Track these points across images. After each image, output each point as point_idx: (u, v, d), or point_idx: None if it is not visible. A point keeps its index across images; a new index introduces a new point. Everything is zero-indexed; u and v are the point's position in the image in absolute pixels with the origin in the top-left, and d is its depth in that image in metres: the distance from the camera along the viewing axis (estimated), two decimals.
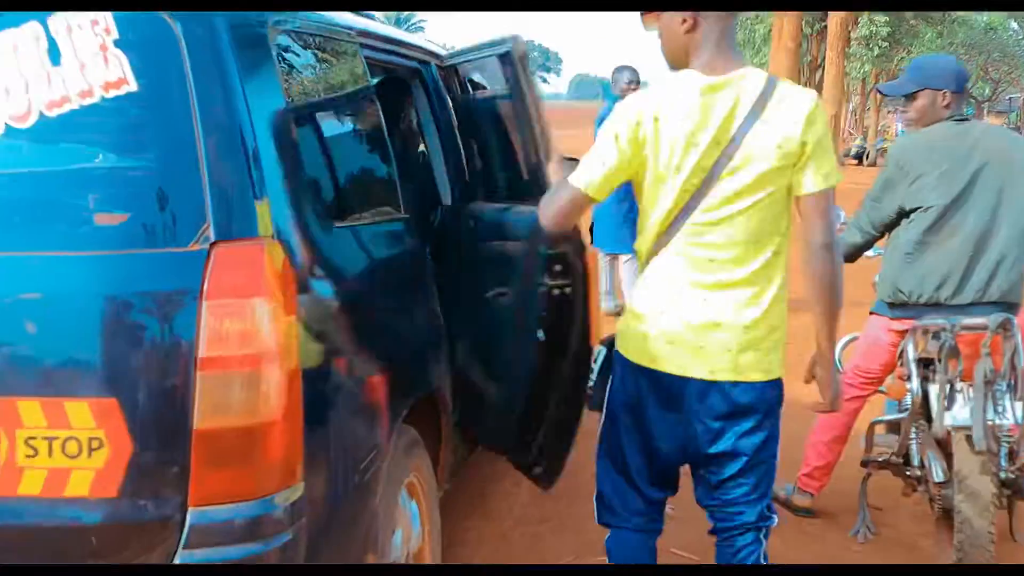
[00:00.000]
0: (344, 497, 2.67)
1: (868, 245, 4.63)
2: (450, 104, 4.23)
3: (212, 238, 2.36)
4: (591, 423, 3.44)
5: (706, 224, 2.86)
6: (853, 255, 4.65)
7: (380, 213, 3.25)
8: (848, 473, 4.85)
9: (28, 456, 2.34)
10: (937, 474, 4.09)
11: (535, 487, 4.27)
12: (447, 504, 3.97)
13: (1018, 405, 3.97)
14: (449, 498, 4.14)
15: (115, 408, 2.31)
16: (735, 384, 2.90)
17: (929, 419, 4.14)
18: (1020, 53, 57.07)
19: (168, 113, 2.41)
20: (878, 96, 41.68)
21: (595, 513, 3.23)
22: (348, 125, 3.26)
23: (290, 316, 2.42)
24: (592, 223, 9.14)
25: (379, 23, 3.96)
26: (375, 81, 3.58)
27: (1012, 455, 4.01)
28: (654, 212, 2.94)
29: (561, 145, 3.85)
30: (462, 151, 4.20)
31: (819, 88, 27.47)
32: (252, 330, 2.35)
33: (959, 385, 4.06)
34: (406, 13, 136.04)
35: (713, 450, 2.96)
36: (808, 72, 35.61)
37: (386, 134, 3.41)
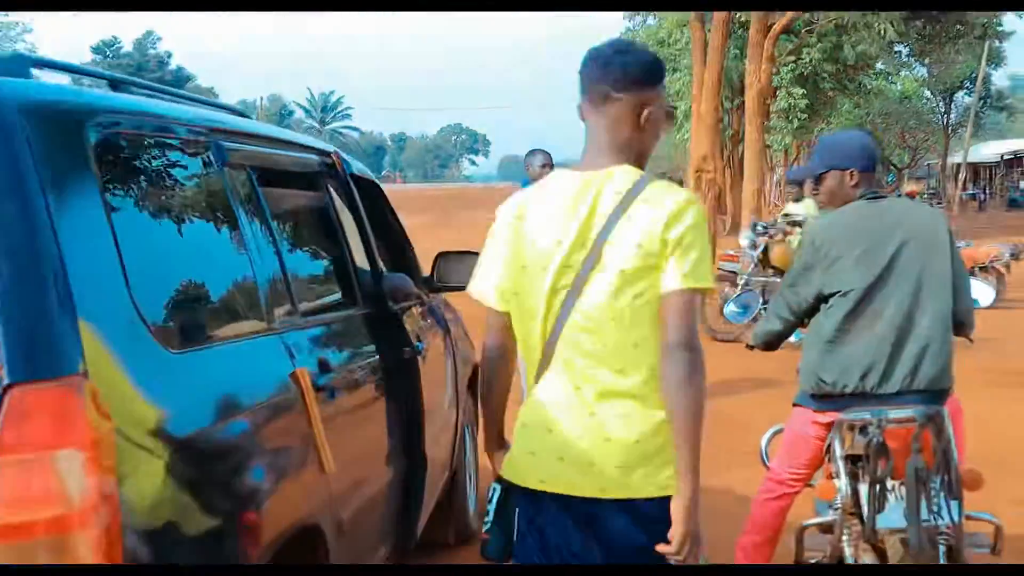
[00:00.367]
0: None
1: (788, 332, 4.42)
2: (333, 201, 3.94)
3: (5, 380, 1.99)
4: None
5: (583, 329, 2.67)
6: (773, 343, 4.48)
7: (239, 329, 2.89)
8: None
9: None
10: None
11: None
12: None
13: (954, 504, 3.69)
14: None
15: None
16: (628, 502, 2.67)
17: (862, 519, 3.84)
18: (935, 120, 58.49)
19: None
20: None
21: None
22: (194, 231, 2.89)
23: (108, 468, 2.05)
24: None
25: (246, 119, 3.65)
26: (237, 178, 3.22)
27: (951, 554, 3.73)
28: (533, 319, 2.71)
29: None
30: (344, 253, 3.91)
31: (741, 160, 27.69)
32: (57, 489, 1.97)
33: (890, 484, 3.77)
34: (333, 99, 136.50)
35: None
36: (731, 146, 35.97)
37: (253, 237, 3.07)
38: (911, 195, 51.53)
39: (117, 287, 2.30)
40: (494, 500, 2.90)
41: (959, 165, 55.58)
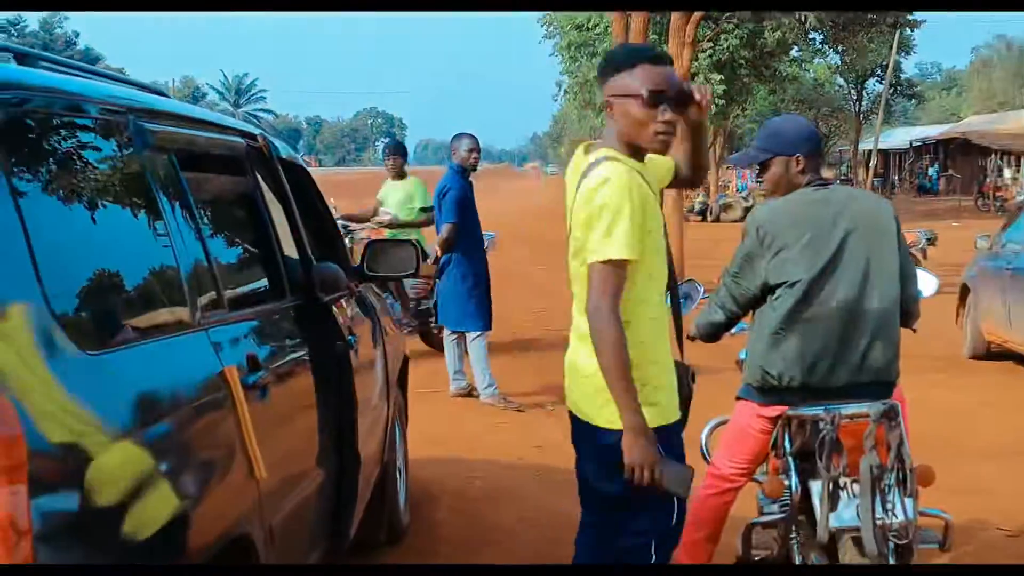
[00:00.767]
0: None
1: (731, 323, 4.29)
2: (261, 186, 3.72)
3: None
4: None
5: (570, 281, 3.41)
6: (714, 334, 4.36)
7: (162, 326, 2.67)
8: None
9: None
10: None
11: None
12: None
13: (908, 501, 3.58)
14: None
15: None
16: (590, 425, 3.34)
17: (812, 517, 3.70)
18: (848, 107, 59.33)
19: None
20: (716, 153, 42.58)
21: None
22: (112, 219, 2.65)
23: (17, 479, 1.85)
24: (436, 300, 8.72)
25: (165, 97, 3.41)
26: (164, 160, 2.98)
27: (901, 554, 3.61)
28: None
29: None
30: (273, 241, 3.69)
31: None
32: None
33: (843, 481, 3.64)
34: (247, 81, 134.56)
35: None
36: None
37: (176, 226, 2.85)
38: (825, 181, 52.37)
39: (26, 281, 2.08)
40: None
41: (870, 151, 56.47)
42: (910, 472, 3.64)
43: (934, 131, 60.11)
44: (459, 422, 7.95)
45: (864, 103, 60.37)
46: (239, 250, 3.70)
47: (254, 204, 3.71)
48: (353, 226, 10.67)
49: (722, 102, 32.84)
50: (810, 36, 35.17)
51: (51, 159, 2.48)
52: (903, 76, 60.03)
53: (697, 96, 3.34)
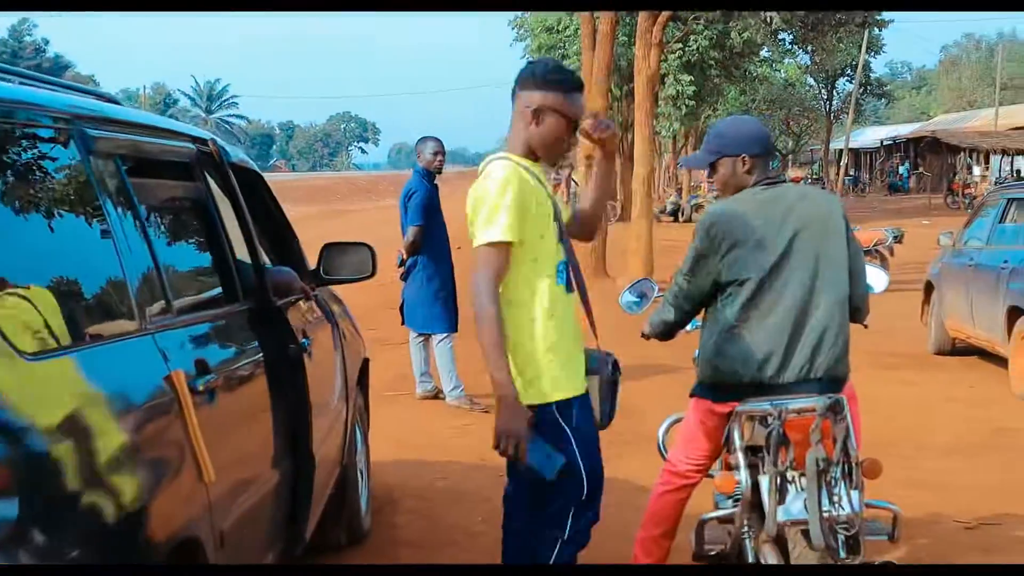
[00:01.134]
0: None
1: (685, 322, 4.37)
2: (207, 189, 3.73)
3: None
4: None
5: None
6: (667, 332, 4.41)
7: (106, 331, 2.69)
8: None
9: None
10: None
11: None
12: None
13: (854, 494, 3.60)
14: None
15: None
16: None
17: (762, 511, 3.73)
18: (818, 107, 59.67)
19: None
20: (687, 154, 42.72)
21: None
22: (56, 225, 2.66)
23: None
24: (402, 303, 8.73)
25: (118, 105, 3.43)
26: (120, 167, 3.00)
27: (851, 545, 3.62)
28: None
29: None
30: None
31: (631, 147, 27.83)
32: None
33: (791, 475, 3.67)
34: (219, 87, 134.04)
35: None
36: (621, 132, 36.18)
37: (122, 231, 2.87)
38: (795, 181, 52.68)
39: None
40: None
41: (841, 151, 56.82)
42: (856, 465, 3.64)
43: (904, 130, 60.66)
44: (425, 424, 7.98)
45: (835, 103, 60.79)
46: (189, 255, 3.71)
47: (204, 209, 3.73)
48: None
49: (692, 103, 33.00)
50: (779, 36, 35.36)
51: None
52: (873, 75, 60.46)
53: (596, 135, 3.74)
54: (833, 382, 3.93)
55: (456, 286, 8.78)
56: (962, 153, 46.48)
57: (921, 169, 53.24)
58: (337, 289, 5.55)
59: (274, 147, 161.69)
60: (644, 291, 4.80)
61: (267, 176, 4.94)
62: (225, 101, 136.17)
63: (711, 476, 4.30)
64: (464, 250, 15.38)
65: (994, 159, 46.05)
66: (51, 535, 2.14)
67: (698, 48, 32.25)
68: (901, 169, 56.33)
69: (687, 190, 43.09)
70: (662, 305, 4.37)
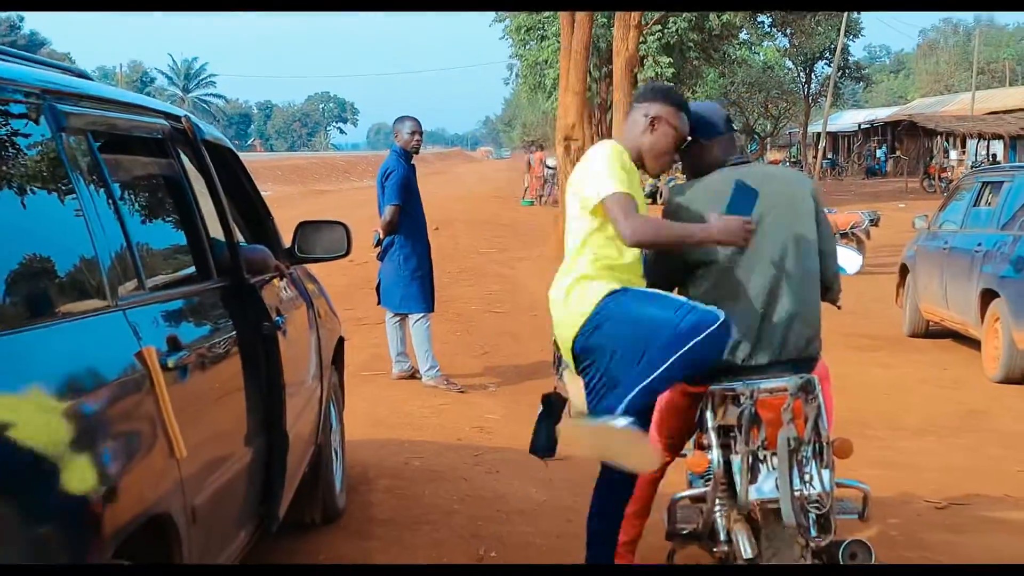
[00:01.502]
0: None
1: None
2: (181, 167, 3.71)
3: None
4: None
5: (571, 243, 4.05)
6: None
7: (75, 307, 2.67)
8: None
9: None
10: (745, 550, 3.73)
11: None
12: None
13: (825, 472, 3.62)
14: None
15: None
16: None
17: (734, 490, 3.76)
18: (796, 90, 59.68)
19: None
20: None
21: None
22: (25, 201, 2.64)
23: None
24: (378, 283, 8.72)
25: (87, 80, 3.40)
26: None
27: (822, 524, 3.66)
28: None
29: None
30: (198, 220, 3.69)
31: (610, 128, 27.81)
32: None
33: (762, 454, 3.69)
34: (197, 66, 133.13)
35: None
36: (599, 113, 36.14)
37: (93, 208, 2.85)
38: (774, 163, 52.67)
39: None
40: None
41: (819, 134, 56.92)
42: (826, 444, 3.67)
43: (882, 113, 60.84)
44: (401, 404, 7.98)
45: (813, 86, 60.81)
46: (161, 232, 3.69)
47: (177, 186, 3.71)
48: None
49: (671, 85, 33.04)
50: (758, 19, 35.38)
51: None
52: (851, 59, 60.56)
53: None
54: (805, 362, 3.94)
55: (433, 266, 8.78)
56: (939, 137, 46.62)
57: (898, 153, 53.42)
58: (313, 268, 5.54)
59: (252, 127, 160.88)
60: None
61: (244, 156, 4.91)
62: (203, 80, 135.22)
63: (684, 456, 4.31)
64: (441, 231, 15.57)
65: (970, 143, 46.24)
66: (18, 510, 2.14)
67: (677, 30, 32.25)
68: (878, 153, 56.52)
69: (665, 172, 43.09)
70: None
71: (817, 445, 3.65)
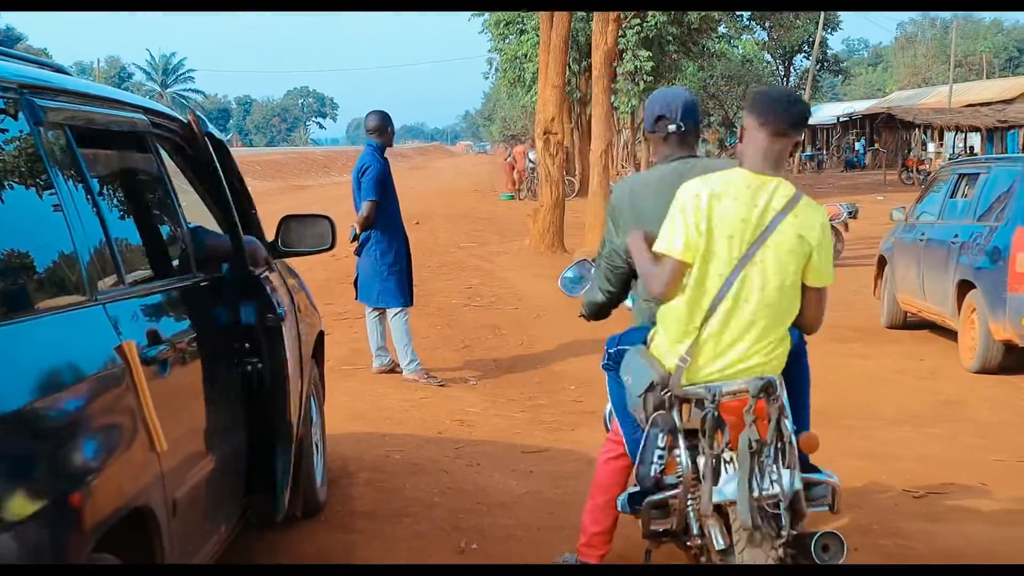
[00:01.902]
0: None
1: (613, 302, 4.43)
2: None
3: None
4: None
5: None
6: (599, 312, 4.50)
7: (54, 302, 2.68)
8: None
9: None
10: (717, 542, 3.71)
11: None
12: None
13: (786, 472, 3.61)
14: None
15: None
16: None
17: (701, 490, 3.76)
18: (775, 83, 59.86)
19: None
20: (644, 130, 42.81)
21: None
22: (3, 196, 2.65)
23: None
24: (355, 278, 8.73)
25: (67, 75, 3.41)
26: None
27: (780, 524, 3.63)
28: None
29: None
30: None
31: (589, 122, 27.83)
32: None
33: (727, 455, 3.67)
34: (175, 61, 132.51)
35: None
36: (579, 108, 36.14)
37: (72, 203, 2.86)
38: None
39: None
40: None
41: None
42: (789, 444, 3.63)
43: (860, 106, 61.02)
44: (381, 398, 7.99)
45: (792, 79, 61.09)
46: (142, 226, 3.70)
47: (157, 180, 3.72)
48: None
49: (650, 78, 32.98)
50: (737, 13, 35.44)
51: None
52: (830, 52, 60.88)
53: None
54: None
55: (411, 260, 8.79)
56: (917, 130, 46.87)
57: (877, 145, 53.63)
58: (293, 263, 5.55)
59: (231, 122, 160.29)
60: (583, 273, 4.81)
61: None
62: (181, 75, 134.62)
63: None
64: (421, 225, 15.59)
65: (948, 136, 46.52)
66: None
67: (656, 24, 32.26)
68: (857, 145, 56.72)
69: (645, 165, 43.24)
70: (591, 286, 4.46)
71: (780, 445, 3.63)
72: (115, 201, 3.49)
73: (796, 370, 3.93)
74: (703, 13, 31.10)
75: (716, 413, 3.67)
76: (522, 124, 65.00)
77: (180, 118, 4.14)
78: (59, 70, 3.48)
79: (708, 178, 3.73)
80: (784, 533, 3.62)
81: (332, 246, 4.86)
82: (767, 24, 43.16)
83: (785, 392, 3.70)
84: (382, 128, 8.75)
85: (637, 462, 3.87)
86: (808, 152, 56.60)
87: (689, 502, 3.80)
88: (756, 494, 3.59)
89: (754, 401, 3.64)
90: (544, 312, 12.00)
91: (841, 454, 6.33)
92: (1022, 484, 6.07)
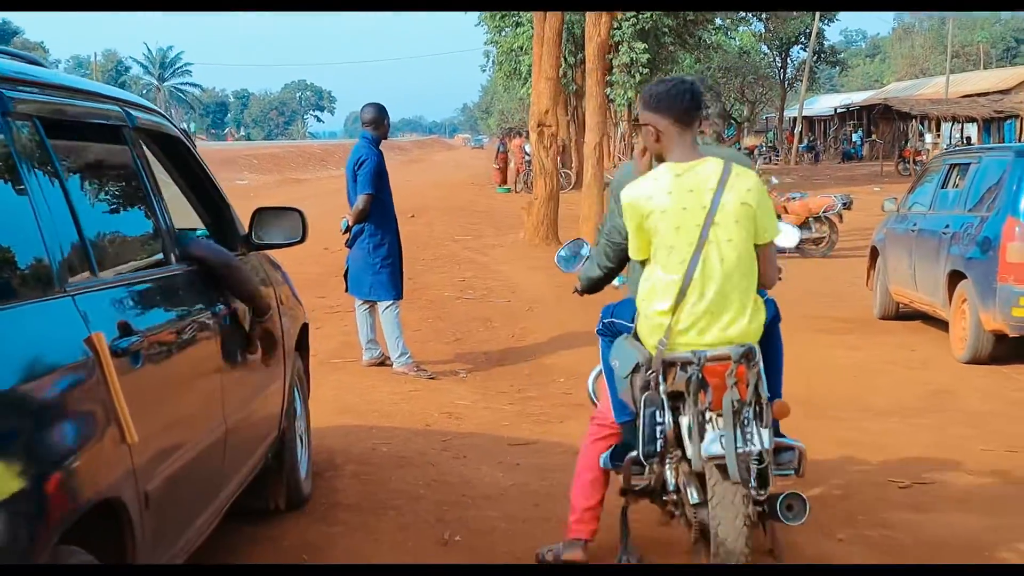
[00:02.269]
0: None
1: (608, 278, 4.79)
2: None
3: None
4: None
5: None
6: (595, 287, 4.87)
7: (18, 294, 2.67)
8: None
9: None
10: (693, 496, 4.05)
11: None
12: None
13: (764, 432, 3.93)
14: None
15: None
16: None
17: (683, 449, 4.05)
18: (772, 74, 59.83)
19: None
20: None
21: None
22: None
23: None
24: (346, 269, 8.72)
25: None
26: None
27: (762, 478, 3.96)
28: None
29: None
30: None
31: (584, 116, 27.78)
32: None
33: (709, 415, 3.97)
34: (172, 55, 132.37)
35: None
36: (575, 101, 36.09)
37: (41, 194, 2.85)
38: (751, 149, 52.91)
39: None
40: None
41: (795, 119, 57.10)
42: (766, 406, 3.97)
43: (858, 97, 61.01)
44: (371, 391, 7.98)
45: (789, 70, 61.01)
46: (115, 217, 3.69)
47: (131, 171, 3.70)
48: None
49: (646, 70, 32.90)
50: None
51: None
52: (827, 43, 60.74)
53: None
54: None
55: (402, 253, 8.78)
56: (914, 120, 46.84)
57: (874, 136, 53.62)
58: (282, 256, 5.55)
59: (228, 115, 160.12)
60: (577, 250, 5.14)
61: (218, 145, 4.88)
62: (178, 69, 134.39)
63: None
64: (417, 218, 15.62)
65: (945, 126, 46.47)
66: None
67: (651, 15, 32.18)
68: (854, 137, 56.70)
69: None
70: (589, 263, 4.81)
71: (757, 407, 3.95)
72: (87, 193, 3.47)
73: (770, 342, 4.26)
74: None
75: (700, 375, 3.96)
76: (519, 117, 64.92)
77: (157, 109, 4.12)
78: (33, 62, 3.46)
79: (637, 183, 4.08)
80: (758, 491, 3.96)
81: (303, 239, 4.83)
82: (764, 15, 43.07)
83: (761, 360, 4.03)
84: (378, 120, 8.72)
85: (640, 445, 4.07)
86: (805, 143, 56.59)
87: (668, 460, 4.12)
88: (739, 451, 3.88)
89: (735, 366, 3.94)
90: (536, 305, 12.01)
91: (828, 444, 6.35)
92: (1010, 474, 6.06)
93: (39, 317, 2.70)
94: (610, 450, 4.47)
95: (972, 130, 46.58)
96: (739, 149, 54.96)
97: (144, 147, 3.87)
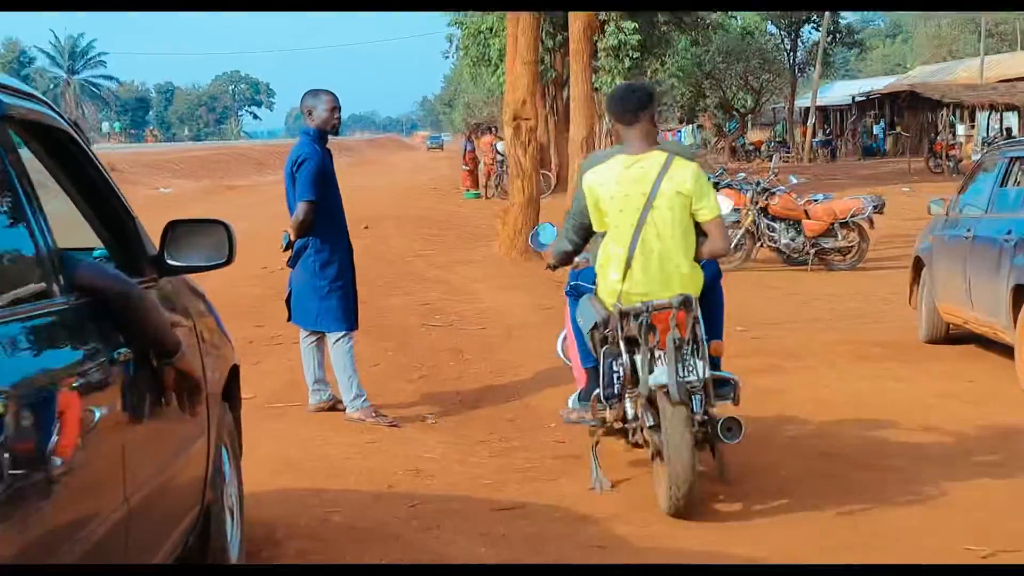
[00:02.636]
0: None
1: (576, 251, 6.80)
2: None
3: None
4: None
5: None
6: (566, 260, 6.91)
7: None
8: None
9: None
10: (648, 420, 6.00)
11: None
12: None
13: (700, 364, 5.94)
14: None
15: None
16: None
17: (637, 382, 6.02)
18: (781, 59, 59.87)
19: None
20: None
21: None
22: None
23: None
24: (288, 293, 8.31)
25: None
26: None
27: (701, 401, 5.96)
28: None
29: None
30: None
31: (567, 107, 27.54)
32: None
33: (657, 353, 5.94)
34: (84, 43, 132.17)
35: None
36: (554, 90, 35.93)
37: None
38: (757, 145, 52.81)
39: None
40: None
41: (807, 109, 57.16)
42: (702, 342, 6.00)
43: (879, 84, 61.17)
44: (318, 443, 7.62)
45: (799, 54, 61.20)
46: None
47: (6, 181, 3.28)
48: None
49: (637, 55, 32.75)
50: None
51: None
52: (842, 22, 60.95)
53: None
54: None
55: (356, 274, 8.36)
56: (944, 110, 46.93)
57: (898, 129, 53.70)
58: (206, 280, 5.15)
59: (150, 113, 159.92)
60: (547, 231, 7.13)
61: (136, 147, 4.47)
62: (91, 60, 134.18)
63: None
64: (371, 230, 15.34)
65: (981, 116, 46.58)
66: None
67: None
68: (876, 129, 56.82)
69: None
70: (560, 238, 6.84)
71: (695, 345, 5.97)
72: None
73: (712, 295, 6.38)
74: None
75: (649, 320, 5.96)
76: (487, 111, 64.84)
77: (37, 93, 3.70)
78: None
79: (595, 170, 6.21)
80: (698, 413, 5.96)
81: (230, 259, 4.38)
82: None
83: (699, 309, 6.03)
84: (319, 109, 8.28)
85: (601, 387, 6.09)
86: (819, 138, 56.70)
87: (628, 394, 6.10)
88: (681, 379, 5.83)
89: (676, 312, 5.96)
90: (517, 332, 11.78)
91: (889, 504, 6.05)
92: None
93: None
94: (577, 392, 6.58)
95: (1013, 119, 46.69)
96: (742, 144, 55.37)
97: (16, 144, 3.45)
